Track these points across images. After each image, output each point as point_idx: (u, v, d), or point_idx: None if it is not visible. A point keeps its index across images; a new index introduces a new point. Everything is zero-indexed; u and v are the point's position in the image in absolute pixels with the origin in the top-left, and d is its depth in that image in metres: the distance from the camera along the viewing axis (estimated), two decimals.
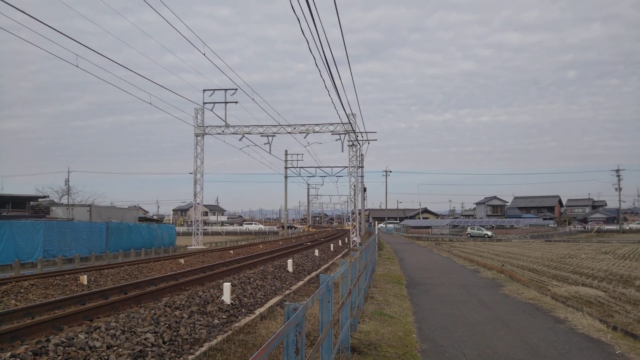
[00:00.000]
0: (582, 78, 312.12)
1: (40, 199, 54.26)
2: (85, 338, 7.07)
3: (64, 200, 65.71)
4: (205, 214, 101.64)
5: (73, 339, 6.93)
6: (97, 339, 7.15)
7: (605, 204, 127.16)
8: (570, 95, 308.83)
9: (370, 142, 45.50)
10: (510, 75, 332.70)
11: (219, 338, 8.53)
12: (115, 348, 7.10)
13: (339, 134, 38.43)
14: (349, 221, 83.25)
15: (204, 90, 37.49)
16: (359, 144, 43.04)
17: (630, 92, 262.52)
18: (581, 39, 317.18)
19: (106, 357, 6.71)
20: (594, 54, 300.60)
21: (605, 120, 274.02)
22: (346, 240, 44.41)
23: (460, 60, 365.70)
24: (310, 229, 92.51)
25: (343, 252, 32.59)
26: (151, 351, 7.29)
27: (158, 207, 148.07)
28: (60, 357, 6.34)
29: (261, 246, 37.91)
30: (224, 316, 10.17)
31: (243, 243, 45.11)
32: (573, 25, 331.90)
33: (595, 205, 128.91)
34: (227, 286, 11.45)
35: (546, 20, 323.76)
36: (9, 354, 6.13)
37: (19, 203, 47.10)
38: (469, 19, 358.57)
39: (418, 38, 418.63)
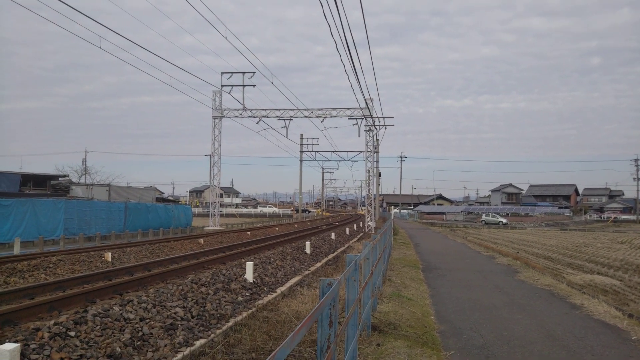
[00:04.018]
0: (605, 65, 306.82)
1: (60, 178, 55.14)
2: (120, 310, 7.42)
3: (83, 180, 66.69)
4: (220, 196, 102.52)
5: (109, 310, 7.28)
6: (131, 312, 7.49)
7: (623, 194, 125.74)
8: (593, 82, 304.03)
9: (386, 127, 45.57)
10: (532, 61, 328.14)
11: (244, 314, 8.85)
12: (147, 320, 7.43)
13: (356, 118, 38.47)
14: (363, 206, 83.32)
15: (222, 73, 37.72)
16: (376, 129, 43.08)
17: None
18: (608, 25, 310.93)
19: (140, 329, 7.05)
20: (620, 41, 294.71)
21: (627, 109, 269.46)
22: (361, 225, 44.68)
23: (482, 45, 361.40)
24: (324, 213, 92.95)
25: (358, 236, 32.88)
26: (181, 324, 7.62)
27: (173, 188, 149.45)
28: (98, 327, 6.69)
29: (277, 228, 38.32)
30: (247, 294, 10.49)
31: (259, 225, 45.58)
32: (600, 10, 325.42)
33: (612, 195, 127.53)
34: (249, 265, 11.77)
35: (572, 5, 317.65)
36: (52, 322, 6.49)
37: (39, 182, 47.95)
38: (492, 3, 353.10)
39: (439, 22, 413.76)
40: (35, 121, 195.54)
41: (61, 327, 6.29)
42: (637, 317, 10.92)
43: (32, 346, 5.83)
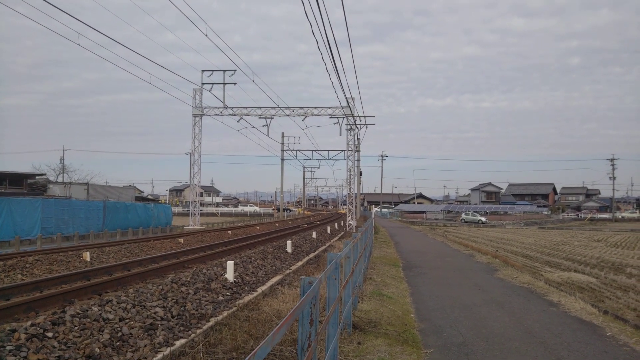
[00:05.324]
0: (585, 65, 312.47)
1: (37, 177, 54.23)
2: (99, 310, 7.34)
3: (60, 179, 65.73)
4: (201, 194, 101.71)
5: (87, 310, 7.19)
6: (110, 312, 7.42)
7: (599, 193, 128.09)
8: (573, 82, 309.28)
9: (368, 126, 45.72)
10: (514, 60, 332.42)
11: (225, 314, 8.82)
12: (127, 320, 7.37)
13: (338, 117, 38.53)
14: (344, 205, 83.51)
15: (203, 71, 37.49)
16: (357, 128, 43.19)
17: (632, 81, 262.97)
18: (588, 26, 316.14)
19: (119, 329, 6.98)
20: (599, 41, 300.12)
21: (606, 109, 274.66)
22: (342, 224, 44.78)
23: (465, 44, 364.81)
24: (306, 212, 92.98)
25: (339, 235, 32.96)
26: (161, 324, 7.57)
27: (153, 186, 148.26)
28: (77, 328, 6.61)
29: (258, 227, 38.22)
30: (227, 293, 10.46)
31: (240, 224, 45.42)
32: (580, 10, 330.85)
33: (589, 194, 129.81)
34: (230, 264, 11.73)
35: (553, 5, 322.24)
36: (29, 323, 6.39)
37: (16, 180, 47.09)
38: (475, 2, 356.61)
39: (423, 21, 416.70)
40: (11, 118, 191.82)
41: (38, 328, 6.20)
42: (612, 314, 11.14)
43: (8, 348, 5.73)
